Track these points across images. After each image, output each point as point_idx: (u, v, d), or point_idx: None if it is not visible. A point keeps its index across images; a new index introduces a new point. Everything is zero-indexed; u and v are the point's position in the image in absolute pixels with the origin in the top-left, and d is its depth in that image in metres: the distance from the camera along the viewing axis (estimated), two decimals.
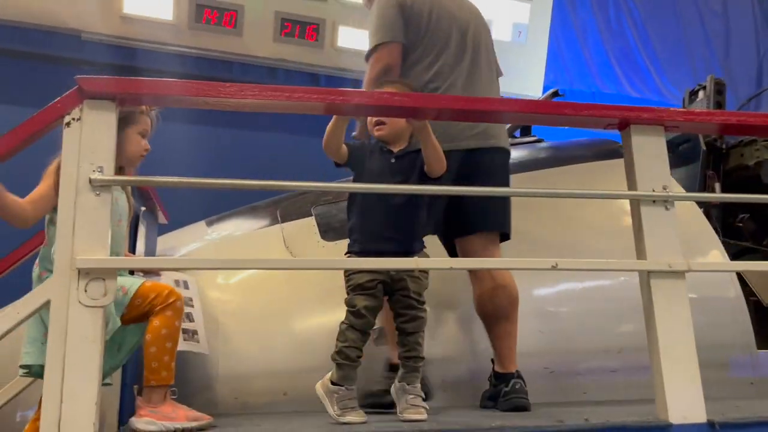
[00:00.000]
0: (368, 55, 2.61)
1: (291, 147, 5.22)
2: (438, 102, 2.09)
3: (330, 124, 2.09)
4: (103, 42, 5.21)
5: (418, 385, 2.05)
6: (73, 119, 1.66)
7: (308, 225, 3.06)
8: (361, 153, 2.19)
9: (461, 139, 2.46)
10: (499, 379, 2.45)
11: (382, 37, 2.54)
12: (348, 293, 2.08)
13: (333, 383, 1.98)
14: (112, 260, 1.60)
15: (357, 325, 2.02)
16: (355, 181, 2.21)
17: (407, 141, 2.20)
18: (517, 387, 2.36)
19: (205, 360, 2.66)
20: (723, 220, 4.33)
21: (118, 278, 1.95)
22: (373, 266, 1.99)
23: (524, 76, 6.39)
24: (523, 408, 2.30)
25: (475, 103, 1.98)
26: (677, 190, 2.26)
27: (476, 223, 2.46)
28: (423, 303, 2.12)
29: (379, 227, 2.11)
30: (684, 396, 1.79)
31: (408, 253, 2.10)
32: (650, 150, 1.96)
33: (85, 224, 1.60)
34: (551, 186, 3.04)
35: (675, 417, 1.77)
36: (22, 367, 2.00)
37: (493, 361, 2.54)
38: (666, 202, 1.92)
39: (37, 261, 2.03)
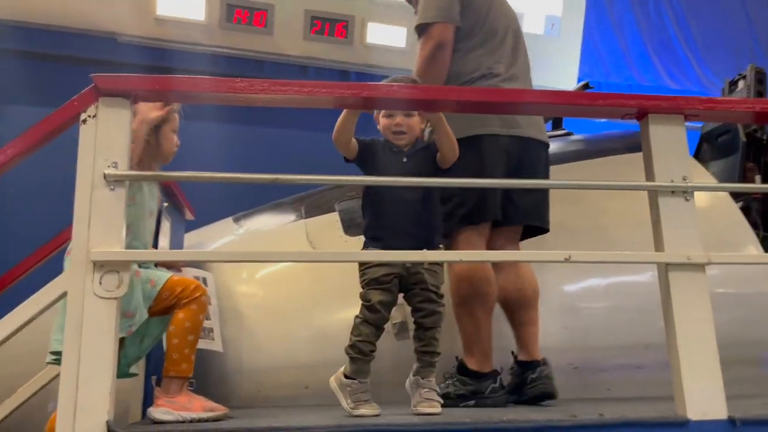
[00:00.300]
0: (420, 32, 2.59)
1: (314, 144, 5.25)
2: (457, 94, 2.05)
3: (340, 116, 2.08)
4: (137, 44, 5.35)
5: (433, 379, 2.04)
6: (90, 116, 1.71)
7: (331, 221, 3.08)
8: (372, 150, 2.17)
9: (524, 126, 2.47)
10: (525, 367, 2.43)
11: (437, 16, 2.53)
12: (363, 287, 2.08)
13: (346, 377, 1.99)
14: (126, 253, 1.64)
15: (371, 319, 2.01)
16: (369, 170, 2.18)
17: (417, 136, 2.19)
18: (544, 373, 2.36)
19: (230, 353, 2.71)
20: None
21: (147, 271, 2.03)
22: (385, 259, 1.97)
23: (557, 70, 6.30)
24: (550, 395, 2.27)
25: (490, 94, 1.95)
26: (702, 180, 2.19)
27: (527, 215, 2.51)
28: (441, 297, 2.10)
29: (397, 224, 2.10)
30: (703, 392, 1.74)
31: (429, 247, 2.08)
32: (669, 140, 1.90)
33: (100, 218, 1.65)
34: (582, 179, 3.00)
35: (693, 413, 1.71)
36: (51, 353, 2.07)
37: (513, 353, 2.52)
38: (685, 192, 1.86)
39: (68, 249, 2.08)
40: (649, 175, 1.91)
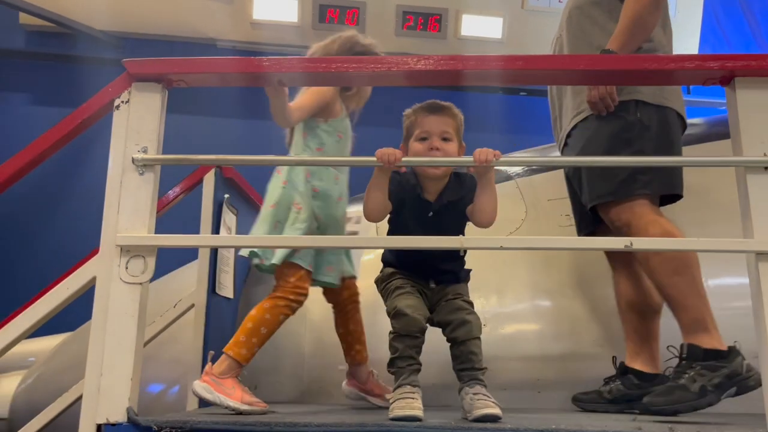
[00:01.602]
0: None
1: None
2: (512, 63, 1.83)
3: (372, 180, 1.85)
4: (236, 48, 5.52)
5: (483, 389, 1.77)
6: (123, 102, 1.71)
7: None
8: (401, 195, 1.92)
9: (676, 100, 2.24)
10: (651, 380, 2.17)
11: None
12: (387, 303, 1.90)
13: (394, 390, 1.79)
14: (151, 237, 1.61)
15: (401, 328, 1.79)
16: (393, 220, 1.99)
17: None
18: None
19: (293, 349, 2.67)
20: None
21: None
22: (421, 245, 1.78)
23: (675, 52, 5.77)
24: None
25: (556, 62, 1.74)
26: None
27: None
28: (471, 305, 1.89)
29: (421, 271, 1.93)
30: None
31: (451, 273, 1.94)
32: (762, 106, 1.61)
33: (128, 203, 1.64)
34: None
35: None
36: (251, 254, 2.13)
37: (614, 359, 2.28)
38: None
39: (278, 169, 2.12)
40: (737, 149, 1.62)
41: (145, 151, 1.66)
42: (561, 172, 3.01)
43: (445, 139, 1.91)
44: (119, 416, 1.51)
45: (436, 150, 1.89)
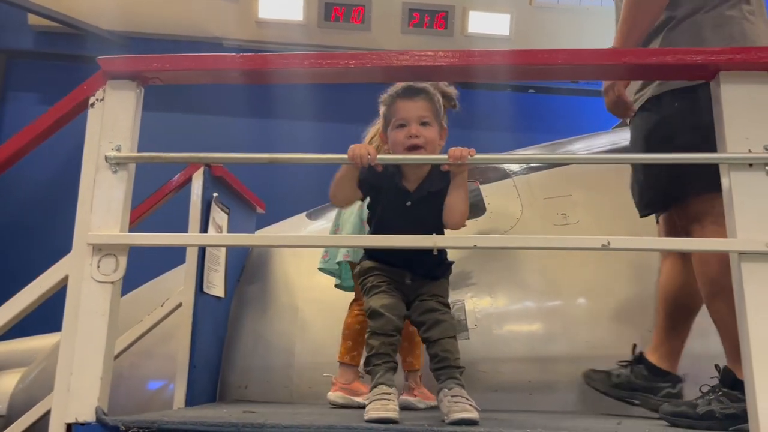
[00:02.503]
0: None
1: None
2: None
3: (339, 172, 1.84)
4: (242, 47, 5.53)
5: (462, 391, 1.72)
6: (97, 100, 1.70)
7: None
8: (377, 183, 1.87)
9: None
10: (662, 376, 2.13)
11: None
12: (364, 299, 1.89)
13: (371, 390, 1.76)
14: (123, 236, 1.60)
15: (377, 327, 1.77)
16: (372, 206, 1.97)
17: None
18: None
19: (284, 348, 2.65)
20: None
21: None
22: (394, 245, 1.75)
23: None
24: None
25: (527, 56, 1.70)
26: None
27: None
28: (446, 305, 1.87)
29: (399, 260, 1.88)
30: None
31: (428, 269, 1.89)
32: (747, 101, 1.55)
33: (101, 201, 1.63)
34: None
35: None
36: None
37: (634, 347, 2.22)
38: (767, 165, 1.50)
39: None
40: (721, 145, 1.57)
41: (118, 149, 1.65)
42: (558, 171, 2.97)
43: (423, 124, 1.86)
44: (88, 416, 1.50)
45: (416, 137, 1.84)
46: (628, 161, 1.81)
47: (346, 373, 2.37)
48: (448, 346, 1.77)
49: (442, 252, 1.91)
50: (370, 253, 1.94)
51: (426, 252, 1.85)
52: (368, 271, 1.90)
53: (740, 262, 1.47)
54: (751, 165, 1.51)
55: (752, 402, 1.42)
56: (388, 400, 1.67)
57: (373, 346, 1.76)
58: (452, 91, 2.26)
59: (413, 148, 1.84)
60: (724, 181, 1.55)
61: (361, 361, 2.10)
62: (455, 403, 1.67)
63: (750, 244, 1.46)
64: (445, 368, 1.75)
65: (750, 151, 1.52)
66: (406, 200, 1.88)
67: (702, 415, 1.74)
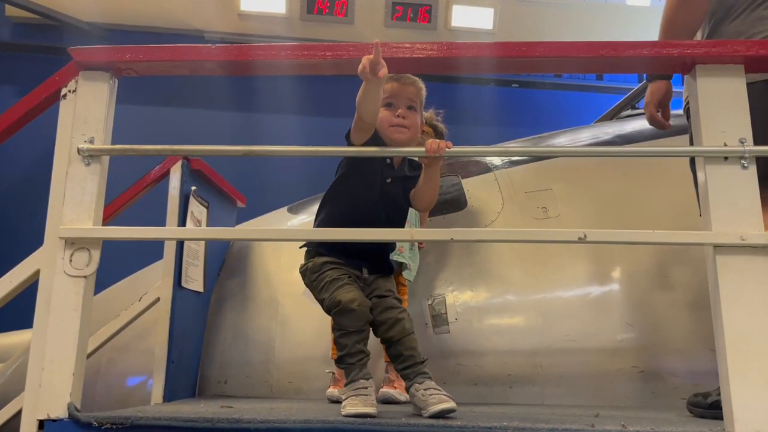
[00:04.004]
0: None
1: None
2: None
3: (359, 94, 1.75)
4: (224, 40, 5.47)
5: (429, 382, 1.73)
6: (69, 91, 1.67)
7: None
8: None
9: None
10: None
11: None
12: (321, 295, 1.83)
13: (346, 385, 1.75)
14: (96, 230, 1.58)
15: (349, 324, 1.74)
16: (349, 170, 1.92)
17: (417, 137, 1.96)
18: None
19: (264, 343, 2.63)
20: None
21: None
22: (372, 238, 1.73)
23: None
24: None
25: (505, 49, 1.69)
26: None
27: None
28: (399, 301, 1.87)
29: (354, 248, 1.85)
30: (757, 404, 1.39)
31: (385, 263, 1.92)
32: (723, 95, 1.55)
33: (73, 194, 1.60)
34: None
35: (743, 430, 1.38)
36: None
37: None
38: (743, 159, 1.51)
39: None
40: (697, 138, 1.58)
41: (91, 142, 1.62)
42: (539, 165, 2.97)
43: (410, 108, 1.91)
44: (60, 412, 1.48)
45: (402, 118, 1.89)
46: (602, 155, 1.80)
47: None
48: (411, 343, 1.77)
49: (390, 246, 1.97)
50: (326, 246, 1.89)
51: (385, 245, 1.88)
52: (324, 266, 1.86)
53: (715, 254, 1.48)
54: (726, 158, 1.52)
55: (726, 393, 1.43)
56: (366, 395, 1.67)
57: (346, 345, 1.74)
58: (443, 127, 2.50)
59: (398, 127, 1.88)
60: (700, 175, 1.56)
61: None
62: (430, 396, 1.67)
63: (724, 237, 1.47)
64: (412, 366, 1.75)
65: (725, 145, 1.52)
66: (387, 176, 1.90)
67: (710, 405, 1.76)
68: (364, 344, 1.75)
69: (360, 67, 1.61)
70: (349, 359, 1.73)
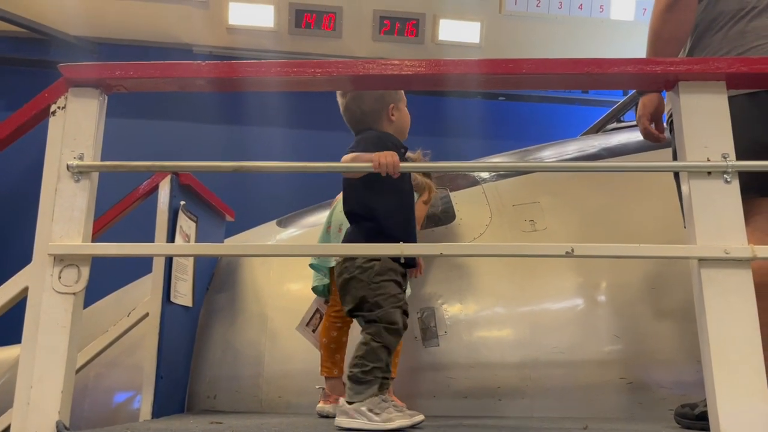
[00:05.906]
0: None
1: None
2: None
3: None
4: (212, 54, 5.48)
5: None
6: (59, 108, 1.67)
7: None
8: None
9: None
10: None
11: None
12: (376, 300, 1.83)
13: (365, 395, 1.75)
14: (85, 246, 1.57)
15: (393, 344, 1.80)
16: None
17: None
18: None
19: (253, 357, 2.63)
20: None
21: None
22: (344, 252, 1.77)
23: None
24: None
25: (492, 66, 1.72)
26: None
27: None
28: None
29: (398, 224, 1.95)
30: (743, 417, 1.41)
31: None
32: (706, 111, 1.58)
33: (63, 210, 1.60)
34: None
35: None
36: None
37: None
38: (726, 173, 1.54)
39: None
40: (681, 153, 1.60)
41: (81, 158, 1.62)
42: (526, 178, 3.00)
43: None
44: (48, 429, 1.47)
45: None
46: (586, 170, 1.83)
47: (338, 385, 2.32)
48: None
49: None
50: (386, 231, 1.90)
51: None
52: (389, 273, 1.86)
53: (700, 268, 1.50)
54: (709, 173, 1.55)
55: (712, 404, 1.44)
56: (403, 411, 1.77)
57: (381, 359, 1.77)
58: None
59: None
60: (684, 189, 1.58)
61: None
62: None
63: (709, 250, 1.50)
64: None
65: (708, 160, 1.55)
66: (407, 184, 2.05)
67: (697, 416, 1.77)
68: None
69: (384, 167, 1.68)
70: (379, 373, 1.76)
